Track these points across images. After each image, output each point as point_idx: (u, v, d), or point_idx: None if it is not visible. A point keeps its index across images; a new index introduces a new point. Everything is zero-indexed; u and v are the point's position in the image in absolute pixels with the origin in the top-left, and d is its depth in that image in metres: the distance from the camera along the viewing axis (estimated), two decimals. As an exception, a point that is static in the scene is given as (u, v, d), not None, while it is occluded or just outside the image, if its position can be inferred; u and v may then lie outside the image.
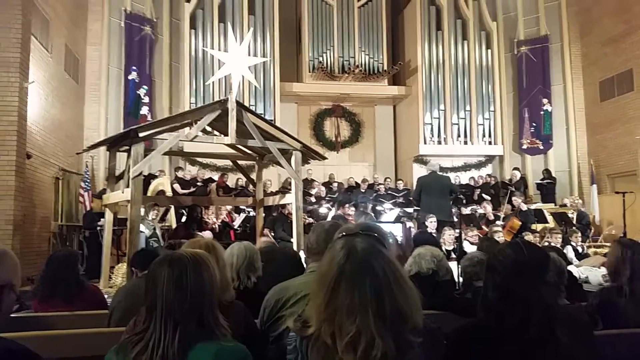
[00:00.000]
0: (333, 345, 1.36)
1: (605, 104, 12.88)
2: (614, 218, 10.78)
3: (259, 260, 3.07)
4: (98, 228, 8.90)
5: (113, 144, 6.99)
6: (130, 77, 11.88)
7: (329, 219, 8.77)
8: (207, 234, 8.59)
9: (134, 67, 11.91)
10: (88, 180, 10.52)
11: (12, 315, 2.07)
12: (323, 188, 11.87)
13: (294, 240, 7.49)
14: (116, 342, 1.56)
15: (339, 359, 1.35)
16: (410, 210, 10.77)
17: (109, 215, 7.28)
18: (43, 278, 3.54)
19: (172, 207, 9.80)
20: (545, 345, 1.65)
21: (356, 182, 12.91)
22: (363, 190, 12.19)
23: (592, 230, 11.03)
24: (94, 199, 9.95)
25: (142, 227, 7.13)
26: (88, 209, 10.08)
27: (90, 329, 2.72)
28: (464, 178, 13.08)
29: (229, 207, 10.25)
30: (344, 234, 1.52)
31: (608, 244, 8.74)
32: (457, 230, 7.08)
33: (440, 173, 9.55)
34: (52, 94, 9.42)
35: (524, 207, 9.68)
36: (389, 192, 12.15)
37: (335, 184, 12.60)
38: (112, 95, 11.82)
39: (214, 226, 9.30)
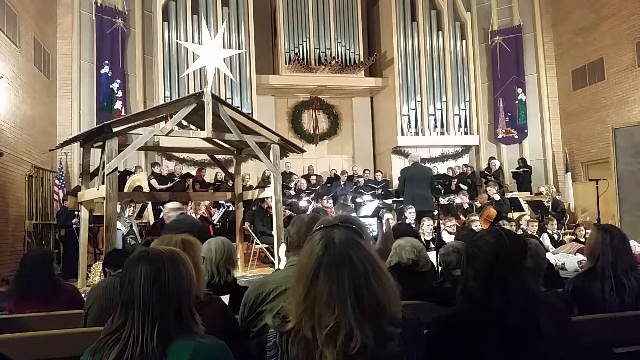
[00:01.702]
0: (313, 338, 1.35)
1: (577, 92, 13.11)
2: (589, 205, 11.01)
3: (236, 254, 3.07)
4: (74, 226, 8.75)
5: (86, 139, 6.86)
6: (102, 71, 11.63)
7: (309, 212, 8.78)
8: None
9: (106, 61, 11.67)
10: (62, 178, 10.32)
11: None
12: (303, 181, 11.85)
13: (274, 233, 7.47)
14: (92, 342, 1.53)
15: (319, 352, 1.34)
16: (389, 201, 10.83)
17: (84, 213, 7.16)
18: (18, 279, 3.46)
19: (150, 203, 9.67)
20: (528, 331, 1.67)
21: (335, 174, 12.93)
22: (343, 183, 12.21)
23: (568, 218, 11.26)
24: (69, 197, 9.77)
25: (118, 225, 7.03)
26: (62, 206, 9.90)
27: (66, 330, 2.66)
28: (441, 168, 13.23)
29: (207, 202, 10.16)
30: (322, 226, 1.51)
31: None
32: (436, 221, 7.15)
33: (422, 164, 9.63)
34: (21, 89, 9.19)
35: (497, 197, 9.84)
36: (369, 183, 12.20)
37: (314, 177, 12.59)
38: (85, 90, 11.57)
39: (192, 221, 9.20)
